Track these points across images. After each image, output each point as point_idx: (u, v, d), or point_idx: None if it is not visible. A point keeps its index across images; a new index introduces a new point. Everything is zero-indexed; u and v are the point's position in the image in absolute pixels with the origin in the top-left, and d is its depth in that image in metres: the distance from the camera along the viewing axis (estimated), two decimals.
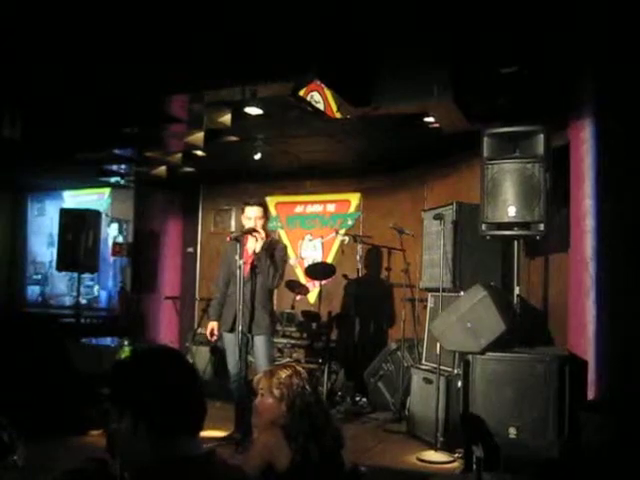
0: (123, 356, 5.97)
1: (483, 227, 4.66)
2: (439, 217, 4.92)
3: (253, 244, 4.90)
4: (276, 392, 2.63)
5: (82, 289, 8.07)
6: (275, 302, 6.00)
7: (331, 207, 7.84)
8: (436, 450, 4.61)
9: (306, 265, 7.22)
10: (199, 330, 7.05)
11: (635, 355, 3.97)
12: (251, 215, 4.92)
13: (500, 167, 4.55)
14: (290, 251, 7.34)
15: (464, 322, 4.34)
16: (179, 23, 4.18)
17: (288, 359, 6.42)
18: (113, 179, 8.35)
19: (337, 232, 7.24)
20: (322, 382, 6.06)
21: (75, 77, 4.56)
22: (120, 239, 8.74)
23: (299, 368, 2.76)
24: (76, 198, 9.31)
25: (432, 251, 5.41)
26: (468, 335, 4.32)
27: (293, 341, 6.80)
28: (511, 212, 4.49)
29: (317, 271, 6.80)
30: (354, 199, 7.69)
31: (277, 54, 4.25)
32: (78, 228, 7.20)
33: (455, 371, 4.87)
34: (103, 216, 7.86)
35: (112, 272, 8.85)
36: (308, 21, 4.08)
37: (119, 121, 5.49)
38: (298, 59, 4.22)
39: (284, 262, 5.06)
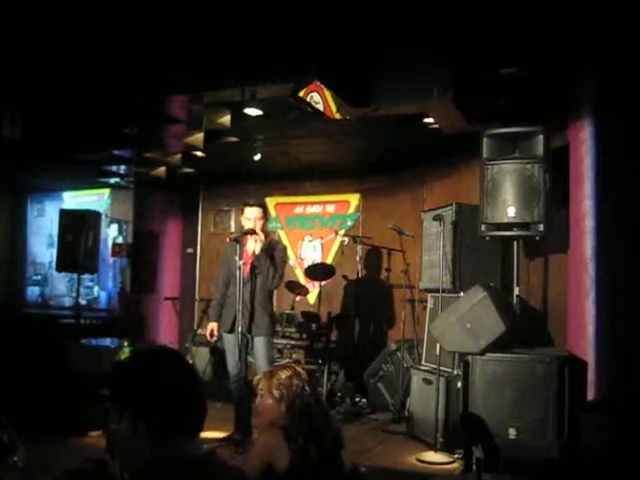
0: (123, 357, 5.95)
1: (483, 228, 4.66)
2: (439, 218, 4.92)
3: (253, 245, 4.89)
4: (276, 393, 2.62)
5: (82, 290, 8.07)
6: (275, 303, 5.99)
7: (331, 208, 7.83)
8: (436, 451, 4.60)
9: (306, 266, 7.21)
10: (199, 331, 7.05)
11: (635, 355, 3.97)
12: (251, 216, 4.92)
13: (500, 168, 4.55)
14: (290, 252, 7.32)
15: (464, 323, 4.34)
16: (179, 23, 4.18)
17: (288, 360, 6.41)
18: (113, 180, 8.36)
19: (337, 233, 7.23)
20: (322, 383, 6.05)
21: (75, 77, 4.55)
22: (120, 240, 8.73)
23: (299, 369, 2.76)
24: (76, 199, 9.30)
25: (432, 252, 5.41)
26: (468, 336, 4.32)
27: (293, 342, 6.78)
28: (511, 213, 4.49)
29: (317, 272, 6.80)
30: (354, 200, 7.68)
31: (277, 55, 4.25)
32: (78, 229, 7.21)
33: (455, 372, 4.86)
34: (103, 217, 7.87)
35: (112, 273, 8.84)
36: (308, 22, 4.08)
37: (119, 121, 5.49)
38: (298, 60, 4.22)
39: (284, 263, 5.06)
